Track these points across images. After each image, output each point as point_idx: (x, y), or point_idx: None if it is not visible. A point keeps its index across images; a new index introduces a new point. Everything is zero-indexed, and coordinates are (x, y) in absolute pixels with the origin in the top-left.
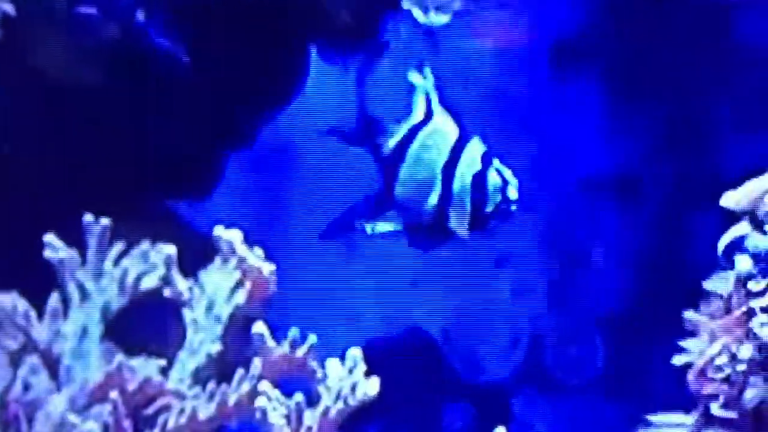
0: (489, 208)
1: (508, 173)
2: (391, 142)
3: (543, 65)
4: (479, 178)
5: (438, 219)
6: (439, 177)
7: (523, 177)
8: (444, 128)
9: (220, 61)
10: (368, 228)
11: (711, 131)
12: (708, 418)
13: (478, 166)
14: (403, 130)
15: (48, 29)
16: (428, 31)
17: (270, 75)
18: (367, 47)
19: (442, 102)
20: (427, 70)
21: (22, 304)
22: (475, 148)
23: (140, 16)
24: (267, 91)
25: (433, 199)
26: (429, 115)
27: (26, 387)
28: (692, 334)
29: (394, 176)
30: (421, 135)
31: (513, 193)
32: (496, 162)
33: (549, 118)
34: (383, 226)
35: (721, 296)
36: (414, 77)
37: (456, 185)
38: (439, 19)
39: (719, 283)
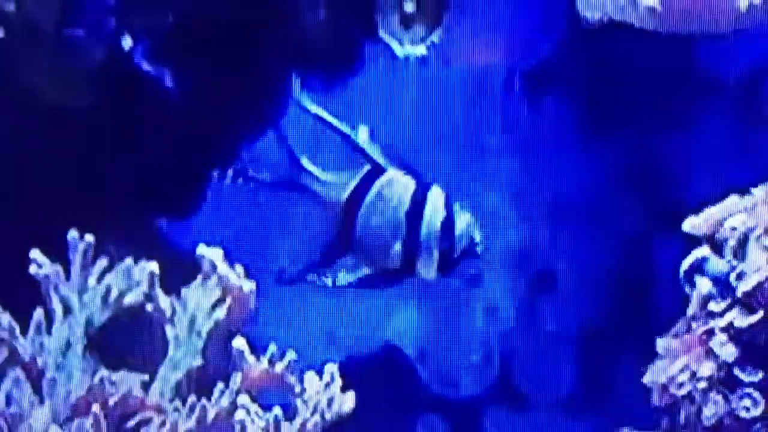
0: (457, 252)
1: (469, 216)
2: (345, 193)
3: (517, 91)
4: (447, 224)
5: (404, 265)
6: (404, 225)
7: (495, 200)
8: (400, 178)
9: (204, 86)
10: (328, 281)
11: (675, 160)
12: (672, 431)
13: (444, 213)
14: (356, 179)
15: (36, 50)
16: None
17: (252, 100)
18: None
19: (396, 152)
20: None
21: (6, 319)
22: (437, 196)
23: (126, 40)
24: (249, 115)
25: (398, 246)
26: (379, 167)
27: (9, 400)
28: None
29: (350, 225)
30: (377, 184)
31: (477, 235)
32: (457, 206)
33: (520, 143)
34: (345, 277)
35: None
36: (361, 134)
37: (423, 232)
38: (415, 50)
39: None
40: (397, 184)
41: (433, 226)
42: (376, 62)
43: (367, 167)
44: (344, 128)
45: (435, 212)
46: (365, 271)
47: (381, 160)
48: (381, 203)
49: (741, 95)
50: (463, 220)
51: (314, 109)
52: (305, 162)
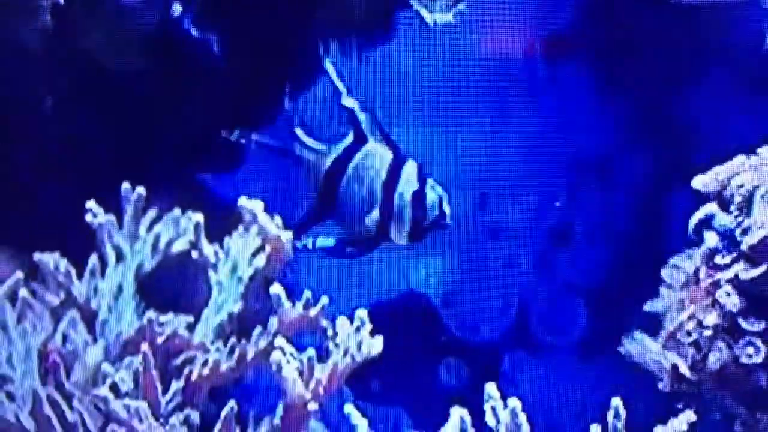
0: (427, 222)
1: (440, 190)
2: (328, 161)
3: (538, 56)
4: (418, 196)
5: (379, 231)
6: (380, 194)
7: (514, 159)
8: (379, 150)
9: (248, 49)
10: (308, 243)
11: (685, 121)
12: (678, 378)
13: (416, 185)
14: (338, 150)
15: (92, 17)
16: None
17: (291, 63)
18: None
19: (378, 125)
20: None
21: (64, 264)
22: (411, 169)
23: (176, 7)
24: (288, 77)
25: (375, 213)
26: (362, 137)
27: (65, 339)
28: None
29: (332, 193)
30: (358, 156)
31: (447, 208)
32: (430, 181)
33: (540, 104)
34: (323, 241)
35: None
36: (347, 101)
37: (396, 202)
38: (444, 17)
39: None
40: (376, 156)
41: (405, 196)
42: (407, 29)
43: (350, 138)
44: (341, 86)
45: (408, 184)
46: (342, 235)
47: (365, 127)
48: (360, 173)
49: (748, 60)
50: (434, 194)
51: (327, 66)
52: (299, 131)
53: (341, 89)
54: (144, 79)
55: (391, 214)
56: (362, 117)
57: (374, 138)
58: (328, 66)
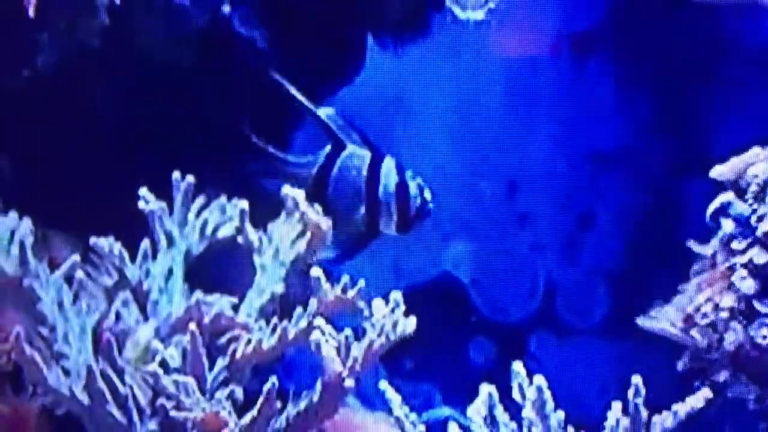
0: (412, 212)
1: (420, 180)
2: (313, 171)
3: (564, 53)
4: (401, 187)
5: (368, 226)
6: (364, 191)
7: (543, 149)
8: (357, 152)
9: (292, 46)
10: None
11: (704, 114)
12: (695, 356)
13: (397, 178)
14: (320, 159)
15: (147, 17)
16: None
17: (333, 58)
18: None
19: (354, 127)
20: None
21: (118, 247)
22: (390, 164)
23: (225, 7)
24: (331, 72)
25: (362, 209)
26: (340, 143)
27: (118, 318)
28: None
29: (321, 199)
30: (339, 160)
31: (428, 195)
32: (409, 173)
33: (565, 98)
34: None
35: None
36: (324, 112)
37: (381, 195)
38: (475, 15)
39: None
40: (356, 158)
41: (388, 190)
42: (441, 25)
43: (328, 148)
44: (310, 105)
45: (389, 179)
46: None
47: (342, 135)
48: (344, 175)
49: (764, 57)
50: (414, 184)
51: (291, 89)
52: (272, 150)
53: (309, 104)
54: (194, 73)
55: (377, 208)
56: (339, 123)
57: (351, 141)
58: (290, 87)
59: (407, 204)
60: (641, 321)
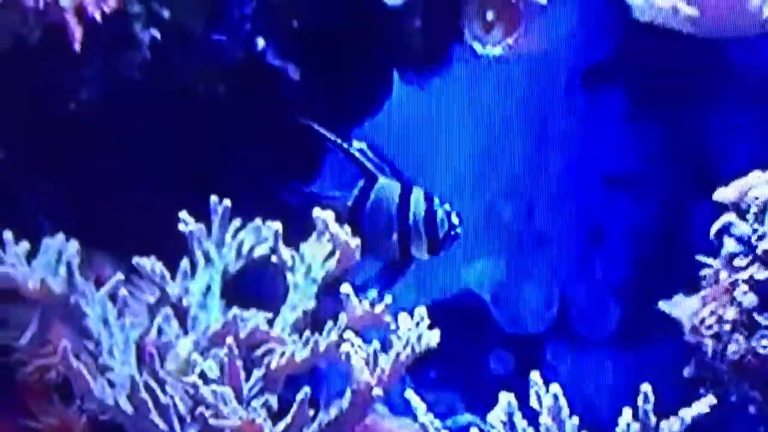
0: (440, 236)
1: (447, 206)
2: (348, 204)
3: (577, 85)
4: (429, 215)
5: (402, 251)
6: (396, 219)
7: (558, 173)
8: (388, 184)
9: (322, 78)
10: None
11: (707, 140)
12: (700, 365)
13: (425, 206)
14: (355, 192)
15: (186, 52)
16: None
17: (361, 91)
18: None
19: (384, 159)
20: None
21: (159, 267)
22: (418, 193)
23: (260, 42)
24: (356, 102)
25: (394, 237)
26: (372, 176)
27: (160, 332)
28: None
29: (357, 230)
30: (372, 193)
31: (456, 220)
32: (436, 200)
33: (579, 126)
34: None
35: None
36: (357, 144)
37: (411, 223)
38: (494, 51)
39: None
40: (387, 189)
41: (418, 218)
42: (462, 60)
43: (362, 181)
44: (342, 143)
45: (418, 207)
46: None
47: (373, 169)
48: (377, 207)
49: (764, 86)
50: (441, 210)
51: (322, 131)
52: (307, 186)
53: (340, 141)
54: (232, 102)
55: (409, 235)
56: (370, 157)
57: (382, 174)
58: (321, 129)
59: (436, 230)
60: (662, 304)
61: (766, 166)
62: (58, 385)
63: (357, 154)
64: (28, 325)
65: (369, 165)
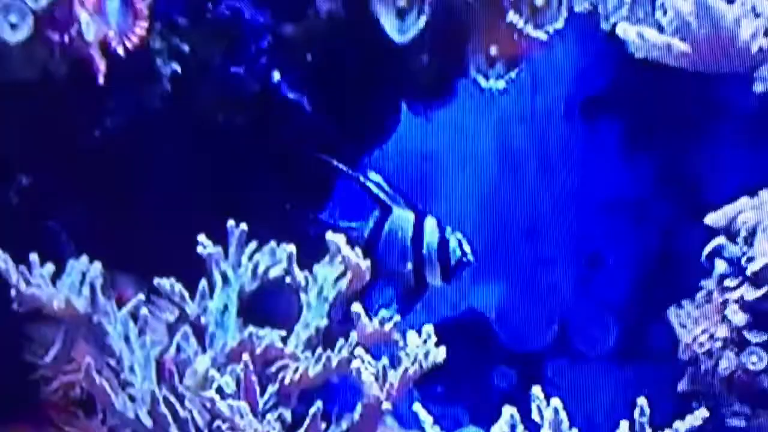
0: (453, 263)
1: (459, 234)
2: (365, 234)
3: (575, 116)
4: (442, 244)
5: (417, 278)
6: (410, 249)
7: (559, 199)
8: (403, 214)
9: (334, 109)
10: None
11: (699, 168)
12: (694, 380)
13: (438, 235)
14: (370, 223)
15: (205, 84)
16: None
17: (371, 120)
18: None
19: (398, 190)
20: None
21: (178, 287)
22: (431, 223)
23: (275, 75)
24: (366, 132)
25: (409, 265)
26: (387, 207)
27: (179, 349)
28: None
29: (373, 259)
30: (387, 224)
31: (467, 247)
32: (448, 229)
33: (578, 155)
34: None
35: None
36: (373, 176)
37: (425, 252)
38: (497, 84)
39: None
40: (401, 219)
41: (431, 246)
42: (466, 93)
43: (377, 212)
44: (359, 177)
45: (431, 236)
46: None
47: (387, 200)
48: (392, 237)
49: (752, 118)
50: (454, 239)
51: (339, 165)
52: (324, 217)
53: (357, 175)
54: (249, 132)
55: (423, 263)
56: (385, 189)
57: (397, 205)
58: (338, 164)
59: (449, 258)
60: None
61: (754, 193)
62: (82, 400)
63: (372, 186)
64: (53, 343)
65: (384, 197)
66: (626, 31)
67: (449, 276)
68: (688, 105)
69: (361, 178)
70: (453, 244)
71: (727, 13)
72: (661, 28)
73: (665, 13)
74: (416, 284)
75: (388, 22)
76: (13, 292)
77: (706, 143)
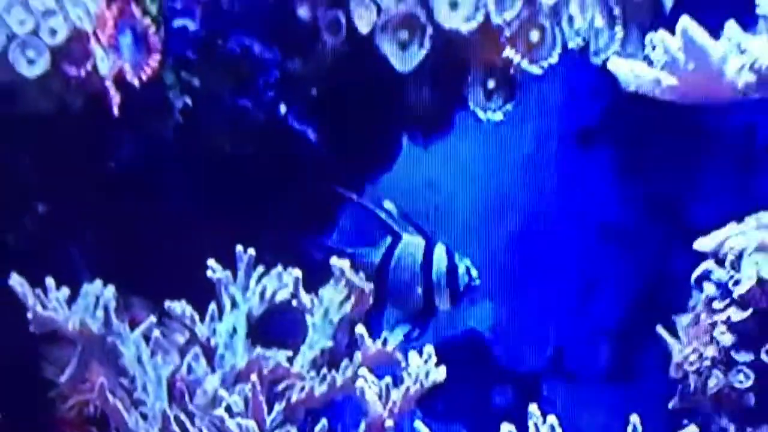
0: (461, 288)
1: (467, 261)
2: (376, 260)
3: (571, 145)
4: (451, 269)
5: (426, 303)
6: (420, 274)
7: (555, 226)
8: (413, 241)
9: (338, 139)
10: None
11: (689, 195)
12: (683, 398)
13: (446, 261)
14: (381, 250)
15: (214, 116)
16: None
17: (373, 150)
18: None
19: (408, 219)
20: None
21: (189, 310)
22: (441, 250)
23: (282, 107)
24: (371, 161)
25: (419, 290)
26: (398, 235)
27: (189, 370)
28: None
29: (384, 284)
30: (398, 250)
31: (474, 273)
32: (457, 255)
33: (572, 183)
34: (398, 333)
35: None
36: (387, 205)
37: (435, 277)
38: (495, 116)
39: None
40: (412, 245)
41: (440, 272)
42: (465, 124)
43: (388, 238)
44: (375, 208)
45: (440, 262)
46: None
47: (397, 228)
48: (402, 263)
49: (739, 148)
50: (462, 265)
51: (353, 196)
52: (335, 244)
53: (370, 206)
54: (256, 161)
55: (432, 288)
56: (397, 217)
57: (407, 232)
58: (352, 195)
59: (457, 282)
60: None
61: (740, 219)
62: (96, 418)
63: (383, 215)
64: (68, 363)
65: (394, 225)
66: (617, 65)
67: (458, 300)
68: (677, 135)
69: (372, 207)
70: (461, 269)
71: (714, 50)
72: (650, 63)
73: (654, 48)
74: (425, 308)
75: (391, 54)
76: (30, 315)
77: (695, 171)
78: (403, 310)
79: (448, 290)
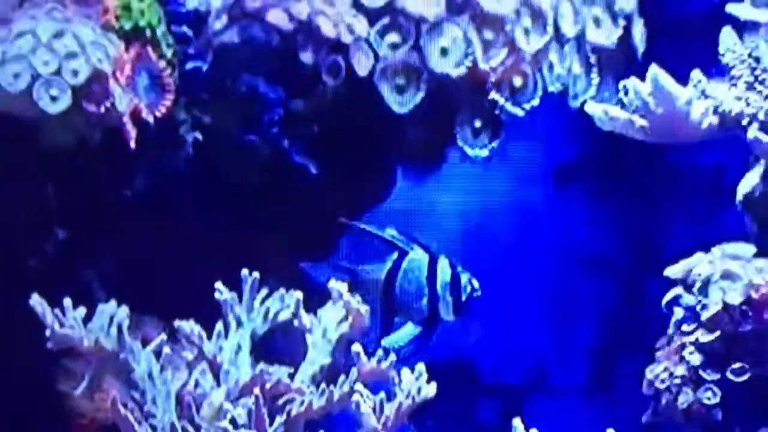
0: (464, 298)
1: (469, 274)
2: (382, 275)
3: (551, 180)
4: (454, 281)
5: (431, 313)
6: (426, 286)
7: (536, 253)
8: (418, 255)
9: (337, 173)
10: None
11: (660, 226)
12: (656, 413)
13: (450, 273)
14: (388, 265)
15: (223, 150)
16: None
17: (370, 183)
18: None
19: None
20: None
21: (197, 329)
22: (444, 263)
23: (285, 142)
24: (368, 193)
25: (425, 301)
26: (403, 251)
27: (197, 384)
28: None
29: (391, 296)
30: (404, 264)
31: (476, 284)
32: (459, 268)
33: (552, 215)
34: (402, 337)
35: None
36: (389, 231)
37: (439, 289)
38: (481, 152)
39: None
40: (417, 260)
41: (444, 284)
42: (453, 160)
43: (395, 254)
44: (379, 232)
45: (444, 274)
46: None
47: (402, 245)
48: (408, 276)
49: (707, 184)
50: (465, 277)
51: (366, 227)
52: (343, 263)
53: (375, 231)
54: (260, 192)
55: (437, 298)
56: (401, 238)
57: (412, 249)
58: (360, 224)
59: (460, 293)
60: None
61: (707, 248)
62: (108, 430)
63: (389, 237)
64: (83, 377)
65: (399, 243)
66: (593, 108)
67: (461, 310)
68: (650, 172)
69: (380, 232)
70: (465, 281)
71: (681, 95)
72: (623, 106)
73: (627, 93)
74: (430, 318)
75: (389, 97)
76: (48, 332)
77: (666, 205)
78: (411, 320)
79: (453, 301)
